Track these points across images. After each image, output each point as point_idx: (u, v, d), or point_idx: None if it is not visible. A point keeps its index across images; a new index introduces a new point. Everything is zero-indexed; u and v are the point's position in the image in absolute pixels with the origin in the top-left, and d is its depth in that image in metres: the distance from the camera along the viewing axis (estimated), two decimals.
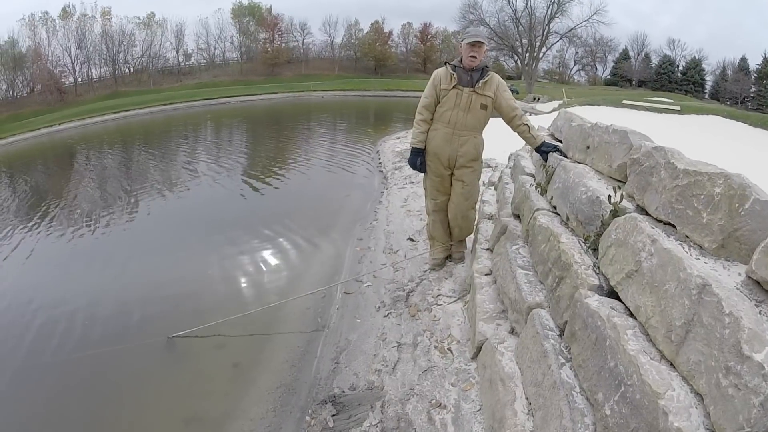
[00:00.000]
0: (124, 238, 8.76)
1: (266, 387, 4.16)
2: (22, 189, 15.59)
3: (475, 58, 4.49)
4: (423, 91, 4.83)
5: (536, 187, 4.13)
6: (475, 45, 4.48)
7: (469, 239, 5.40)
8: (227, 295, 5.94)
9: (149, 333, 5.09)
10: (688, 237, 2.13)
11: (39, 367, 4.76)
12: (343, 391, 3.77)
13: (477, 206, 5.21)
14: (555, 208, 3.58)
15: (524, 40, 54.14)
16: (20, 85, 56.51)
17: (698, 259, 1.96)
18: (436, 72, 4.75)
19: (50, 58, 57.61)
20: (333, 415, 3.54)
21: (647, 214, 2.48)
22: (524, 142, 4.69)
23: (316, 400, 3.79)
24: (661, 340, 1.86)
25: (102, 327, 5.38)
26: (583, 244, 2.86)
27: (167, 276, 6.65)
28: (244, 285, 6.24)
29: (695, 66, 64.85)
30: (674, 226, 2.24)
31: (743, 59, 61.46)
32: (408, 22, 76.47)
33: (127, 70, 65.94)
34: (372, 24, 74.35)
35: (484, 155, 4.97)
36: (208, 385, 4.31)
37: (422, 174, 5.04)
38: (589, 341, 2.19)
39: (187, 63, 71.79)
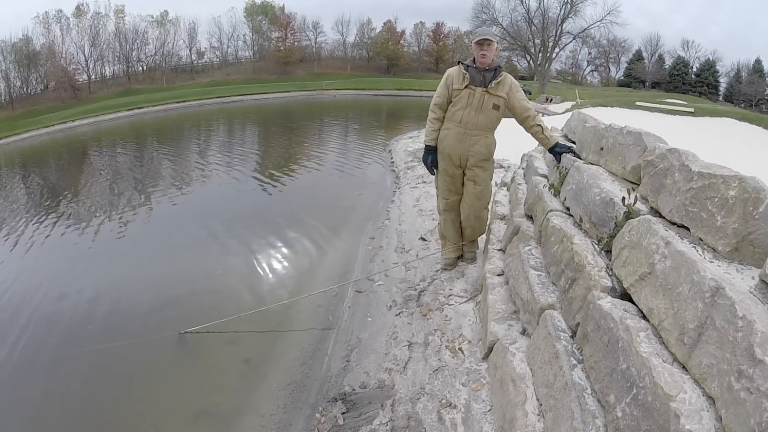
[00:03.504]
0: (137, 234, 8.80)
1: (277, 383, 4.18)
2: (36, 184, 15.74)
3: (486, 55, 4.49)
4: (435, 90, 4.83)
5: (549, 188, 4.13)
6: (483, 43, 4.48)
7: (481, 239, 5.39)
8: (239, 291, 5.96)
9: (161, 328, 5.13)
10: (701, 240, 2.13)
11: (51, 360, 4.80)
12: (354, 389, 3.78)
13: (489, 206, 5.21)
14: (568, 209, 3.58)
15: (537, 41, 53.80)
16: (34, 82, 56.99)
17: (712, 262, 1.96)
18: (448, 71, 4.75)
19: (64, 56, 57.96)
20: (343, 413, 3.55)
21: (661, 216, 2.48)
22: (537, 142, 4.69)
23: (326, 398, 3.80)
24: (673, 342, 1.86)
25: (114, 321, 5.42)
26: (596, 246, 2.86)
27: (179, 272, 6.69)
28: (255, 282, 6.25)
29: (709, 68, 64.29)
30: (688, 229, 2.23)
31: (758, 61, 60.87)
32: (421, 22, 76.15)
33: (140, 68, 66.29)
34: (385, 23, 74.25)
35: (497, 155, 4.96)
36: (219, 380, 4.33)
37: (434, 174, 5.05)
38: (602, 343, 2.19)
39: (200, 61, 72.09)
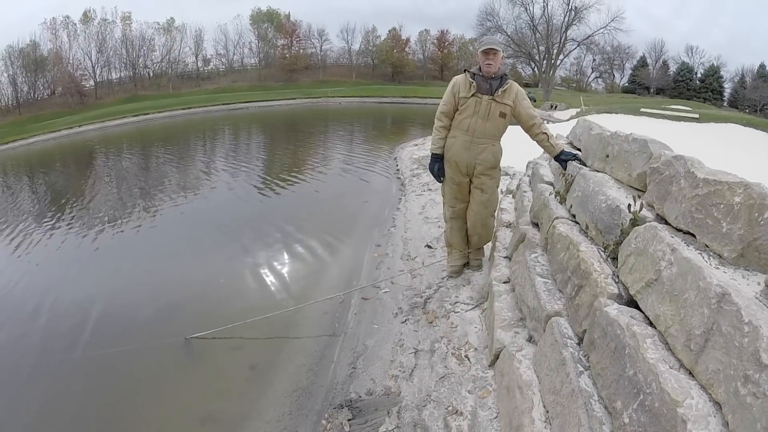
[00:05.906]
0: (143, 240, 8.85)
1: (283, 390, 4.19)
2: (42, 189, 15.84)
3: (491, 65, 4.52)
4: (440, 98, 4.85)
5: (555, 196, 4.13)
6: (489, 53, 4.50)
7: (487, 247, 5.40)
8: (245, 298, 5.99)
9: (167, 333, 5.15)
10: (707, 246, 2.13)
11: (58, 364, 4.84)
12: (360, 396, 3.79)
13: (495, 214, 5.21)
14: (574, 216, 3.58)
15: (541, 48, 53.98)
16: (41, 87, 57.51)
17: (718, 268, 1.97)
18: (455, 79, 4.76)
19: (71, 62, 58.49)
20: (349, 420, 3.56)
21: (667, 223, 2.48)
22: (543, 150, 4.70)
23: (332, 405, 3.81)
24: (680, 348, 1.86)
25: (120, 326, 5.46)
26: (602, 253, 2.86)
27: (185, 278, 6.71)
28: (261, 288, 6.28)
29: (713, 73, 64.20)
30: (694, 236, 2.24)
31: (762, 66, 60.78)
32: (425, 29, 76.25)
33: (146, 75, 66.68)
34: (389, 31, 74.52)
35: (502, 163, 4.98)
36: (224, 385, 4.35)
37: (441, 182, 5.06)
38: (608, 350, 2.19)
39: (206, 68, 72.55)
